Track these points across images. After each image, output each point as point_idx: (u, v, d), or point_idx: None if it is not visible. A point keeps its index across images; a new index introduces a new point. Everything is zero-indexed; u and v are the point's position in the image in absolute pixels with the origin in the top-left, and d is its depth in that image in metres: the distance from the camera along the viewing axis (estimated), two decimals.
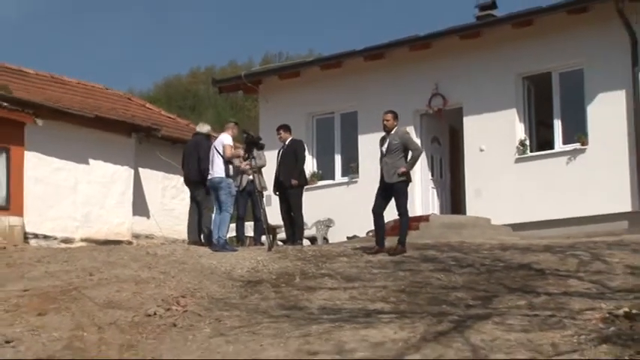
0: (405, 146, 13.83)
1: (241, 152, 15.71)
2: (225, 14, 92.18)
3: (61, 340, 9.70)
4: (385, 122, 14.05)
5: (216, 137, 16.37)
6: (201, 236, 15.88)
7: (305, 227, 18.34)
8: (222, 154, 15.13)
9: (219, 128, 18.83)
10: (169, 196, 22.54)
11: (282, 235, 17.22)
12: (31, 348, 9.50)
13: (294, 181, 16.00)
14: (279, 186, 16.30)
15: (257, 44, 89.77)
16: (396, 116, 14.14)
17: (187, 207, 16.72)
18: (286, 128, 16.82)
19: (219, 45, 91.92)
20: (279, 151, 16.45)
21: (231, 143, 15.46)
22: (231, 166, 15.31)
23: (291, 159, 16.25)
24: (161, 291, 11.45)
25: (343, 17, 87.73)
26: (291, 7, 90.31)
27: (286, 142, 16.50)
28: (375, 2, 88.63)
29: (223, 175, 15.11)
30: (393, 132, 13.94)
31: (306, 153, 17.68)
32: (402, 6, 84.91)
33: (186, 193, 16.93)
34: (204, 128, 16.86)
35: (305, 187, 16.78)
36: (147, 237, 21.50)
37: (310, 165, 20.41)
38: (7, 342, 9.68)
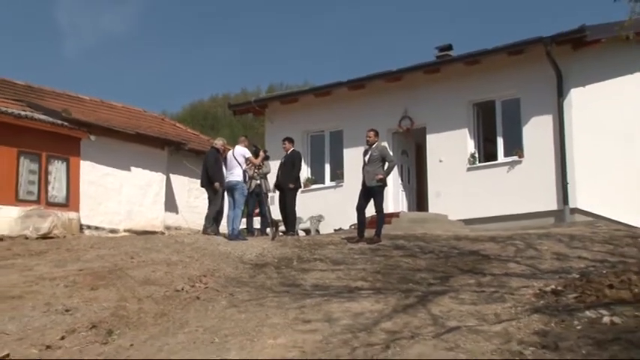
0: (383, 158, 13.83)
1: (259, 161, 15.80)
2: (238, 52, 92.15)
3: (108, 309, 9.73)
4: (368, 138, 14.05)
5: (228, 149, 16.38)
6: (212, 227, 15.77)
7: (300, 221, 18.35)
8: (240, 163, 15.20)
9: (234, 142, 18.83)
10: (193, 196, 22.47)
11: (283, 227, 17.19)
12: (85, 315, 9.53)
13: (291, 185, 16.03)
14: (278, 187, 16.33)
15: (263, 76, 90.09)
16: (376, 133, 14.14)
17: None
18: (290, 140, 16.75)
19: (234, 76, 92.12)
20: (281, 160, 16.50)
21: (250, 155, 15.61)
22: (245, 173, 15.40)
23: (289, 167, 16.26)
24: (187, 271, 11.47)
25: (332, 55, 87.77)
26: (291, 47, 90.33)
27: (288, 152, 16.51)
28: (358, 44, 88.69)
29: (240, 179, 15.16)
30: (374, 146, 13.93)
31: (303, 163, 17.66)
32: (379, 47, 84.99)
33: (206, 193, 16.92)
34: (218, 142, 16.85)
35: (299, 190, 16.77)
36: (176, 228, 21.46)
37: (305, 172, 20.39)
38: (67, 310, 9.71)
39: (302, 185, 17.64)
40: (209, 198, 16.07)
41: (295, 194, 16.23)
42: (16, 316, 9.48)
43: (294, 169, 16.24)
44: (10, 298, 10.16)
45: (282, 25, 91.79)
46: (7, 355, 8.40)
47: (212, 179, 15.72)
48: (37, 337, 8.85)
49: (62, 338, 8.81)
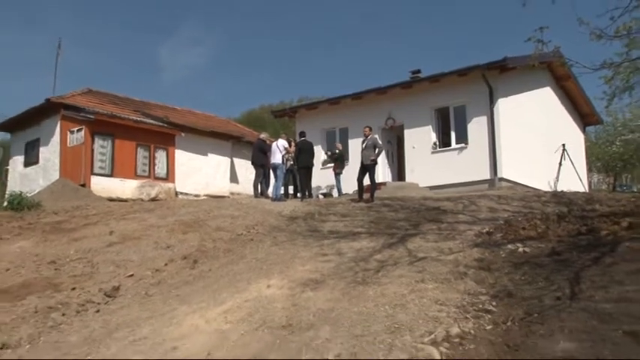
0: (375, 145, 13.81)
1: (292, 149, 15.86)
2: (279, 75, 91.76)
3: (194, 247, 9.85)
4: (364, 132, 14.05)
5: (271, 141, 16.41)
6: (259, 192, 15.83)
7: (320, 189, 18.38)
8: (281, 151, 15.31)
9: (276, 135, 18.82)
10: (249, 172, 22.49)
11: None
12: (180, 250, 9.66)
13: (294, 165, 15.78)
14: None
15: (295, 91, 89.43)
16: (370, 129, 14.20)
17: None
18: (300, 134, 16.88)
19: (275, 91, 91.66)
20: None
21: (288, 146, 15.62)
22: (283, 157, 15.49)
23: (304, 153, 15.82)
24: (244, 222, 11.53)
25: (340, 75, 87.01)
26: (313, 71, 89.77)
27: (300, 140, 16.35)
28: (357, 68, 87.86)
29: (280, 162, 15.28)
30: (368, 137, 13.92)
31: (315, 149, 17.18)
32: (371, 70, 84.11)
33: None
34: (263, 135, 16.92)
35: (312, 168, 16.09)
36: (238, 194, 21.61)
37: (323, 156, 20.36)
38: (168, 247, 9.85)
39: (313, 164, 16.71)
40: (255, 172, 16.23)
41: (304, 171, 15.66)
42: (137, 250, 9.67)
43: (306, 154, 15.93)
44: (133, 239, 10.35)
45: (307, 57, 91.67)
46: (132, 274, 8.58)
47: (257, 160, 15.87)
48: (149, 264, 9.02)
49: (165, 265, 8.98)
